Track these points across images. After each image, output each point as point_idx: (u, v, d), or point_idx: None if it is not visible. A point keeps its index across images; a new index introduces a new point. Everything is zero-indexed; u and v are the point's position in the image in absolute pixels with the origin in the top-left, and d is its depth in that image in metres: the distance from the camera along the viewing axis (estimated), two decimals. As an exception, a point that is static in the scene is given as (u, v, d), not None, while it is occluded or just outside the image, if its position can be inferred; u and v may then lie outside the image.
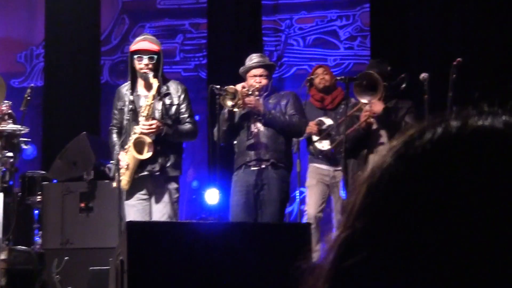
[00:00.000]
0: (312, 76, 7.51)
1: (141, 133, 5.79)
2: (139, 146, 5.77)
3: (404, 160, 0.78)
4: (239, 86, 6.08)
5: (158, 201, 5.91)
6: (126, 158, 5.83)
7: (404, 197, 0.76)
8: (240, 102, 5.99)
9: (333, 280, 0.79)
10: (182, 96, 6.01)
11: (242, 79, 6.25)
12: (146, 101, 5.86)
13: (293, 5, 10.15)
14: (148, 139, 5.75)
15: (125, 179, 5.80)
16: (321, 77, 7.50)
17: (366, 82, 5.88)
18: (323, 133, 6.95)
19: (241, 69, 6.32)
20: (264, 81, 6.20)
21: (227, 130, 6.14)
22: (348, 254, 0.78)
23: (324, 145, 7.35)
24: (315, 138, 6.94)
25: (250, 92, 6.11)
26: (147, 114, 5.82)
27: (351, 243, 0.78)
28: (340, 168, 7.32)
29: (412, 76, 6.16)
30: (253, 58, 6.31)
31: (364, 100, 5.92)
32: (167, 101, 5.96)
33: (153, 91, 5.81)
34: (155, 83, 5.80)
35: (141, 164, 5.84)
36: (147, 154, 5.75)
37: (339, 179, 7.41)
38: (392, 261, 0.74)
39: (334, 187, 7.49)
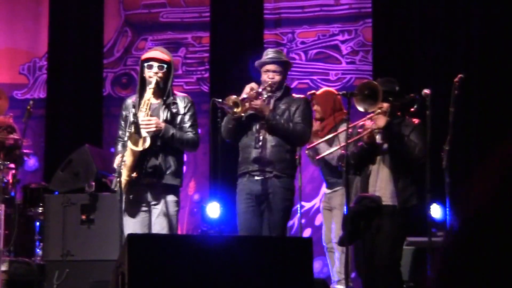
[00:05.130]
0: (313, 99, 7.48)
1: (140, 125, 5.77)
2: (135, 140, 5.74)
3: None
4: (247, 88, 6.04)
5: (157, 213, 5.89)
6: (126, 155, 5.80)
7: None
8: (241, 110, 5.94)
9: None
10: (188, 107, 6.03)
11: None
12: (145, 96, 5.88)
13: (295, 19, 10.18)
14: (143, 133, 5.73)
15: (123, 177, 5.77)
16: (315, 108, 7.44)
17: (367, 92, 5.89)
18: None
19: (256, 63, 6.31)
20: (277, 78, 6.17)
21: (233, 128, 6.10)
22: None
23: None
24: None
25: (260, 90, 6.07)
26: (146, 109, 5.83)
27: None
28: (335, 189, 7.34)
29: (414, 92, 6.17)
30: (269, 53, 6.27)
31: (362, 109, 5.91)
32: (173, 110, 5.99)
33: (152, 85, 5.84)
34: (153, 82, 5.84)
35: (140, 169, 5.82)
36: (144, 145, 5.72)
37: (334, 200, 7.41)
38: None
39: (333, 209, 7.51)
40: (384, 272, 5.84)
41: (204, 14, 10.37)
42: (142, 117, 5.81)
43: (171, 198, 5.91)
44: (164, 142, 5.86)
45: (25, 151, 7.98)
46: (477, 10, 9.26)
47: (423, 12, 9.48)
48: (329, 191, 7.42)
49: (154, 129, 5.77)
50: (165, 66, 5.95)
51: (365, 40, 9.88)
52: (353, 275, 6.66)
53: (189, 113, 6.02)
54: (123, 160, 5.74)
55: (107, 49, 10.52)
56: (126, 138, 5.82)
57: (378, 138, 6.03)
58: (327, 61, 10.02)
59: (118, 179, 5.74)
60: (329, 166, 7.25)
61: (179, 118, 5.99)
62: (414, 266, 6.29)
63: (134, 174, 5.78)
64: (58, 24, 10.43)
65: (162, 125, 5.85)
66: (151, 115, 5.87)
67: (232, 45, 10.00)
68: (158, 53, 6.02)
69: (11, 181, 7.73)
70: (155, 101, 5.98)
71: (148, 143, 5.70)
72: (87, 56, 10.40)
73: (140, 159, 5.79)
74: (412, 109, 6.12)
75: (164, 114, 5.96)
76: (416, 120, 6.13)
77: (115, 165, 5.84)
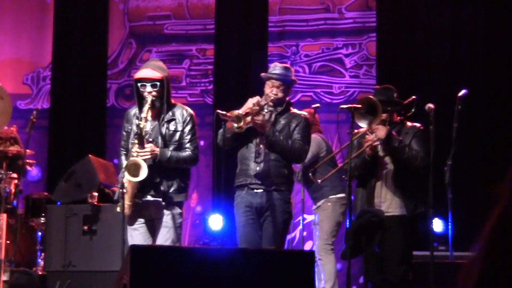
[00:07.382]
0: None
1: (137, 155, 5.78)
2: (135, 168, 5.74)
3: None
4: (250, 103, 6.01)
5: (161, 226, 5.89)
6: (125, 182, 5.80)
7: None
8: (243, 124, 5.93)
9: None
10: (186, 122, 6.00)
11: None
12: (144, 108, 5.83)
13: (299, 32, 10.19)
14: (142, 163, 5.73)
15: (125, 203, 5.78)
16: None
17: (366, 107, 5.90)
18: None
19: (263, 75, 6.28)
20: (280, 94, 6.15)
21: (231, 138, 6.09)
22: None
23: None
24: None
25: (263, 103, 6.05)
26: (149, 120, 5.83)
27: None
28: (318, 205, 7.38)
29: (417, 107, 6.16)
30: (277, 68, 6.25)
31: (363, 124, 5.93)
32: (172, 127, 5.95)
33: (144, 113, 5.80)
34: (146, 106, 5.81)
35: (143, 189, 5.83)
36: (141, 176, 5.71)
37: (318, 215, 7.44)
38: None
39: (316, 224, 7.51)
40: (396, 283, 5.84)
41: (209, 26, 10.39)
42: (148, 127, 5.82)
43: (174, 210, 5.91)
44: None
45: (28, 161, 7.99)
46: (482, 25, 9.28)
47: (427, 27, 9.50)
48: (314, 207, 7.48)
49: (149, 157, 5.78)
50: (158, 84, 5.91)
51: (369, 54, 9.89)
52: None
53: (188, 127, 5.98)
54: (124, 183, 5.74)
55: (111, 60, 10.54)
56: (130, 147, 5.82)
57: (380, 150, 6.04)
58: (330, 74, 10.03)
59: (120, 190, 5.75)
60: (309, 183, 7.28)
61: (178, 134, 5.97)
62: (416, 280, 6.28)
63: (136, 199, 5.81)
64: (63, 34, 10.46)
65: (157, 150, 5.82)
66: (150, 138, 5.86)
67: (236, 57, 10.01)
68: (149, 71, 5.90)
69: (13, 191, 7.73)
70: (153, 120, 5.95)
71: (145, 173, 5.69)
72: (91, 67, 10.42)
73: (141, 184, 5.80)
74: (409, 114, 6.12)
75: (162, 131, 5.93)
76: (416, 125, 6.12)
77: (119, 177, 5.85)
